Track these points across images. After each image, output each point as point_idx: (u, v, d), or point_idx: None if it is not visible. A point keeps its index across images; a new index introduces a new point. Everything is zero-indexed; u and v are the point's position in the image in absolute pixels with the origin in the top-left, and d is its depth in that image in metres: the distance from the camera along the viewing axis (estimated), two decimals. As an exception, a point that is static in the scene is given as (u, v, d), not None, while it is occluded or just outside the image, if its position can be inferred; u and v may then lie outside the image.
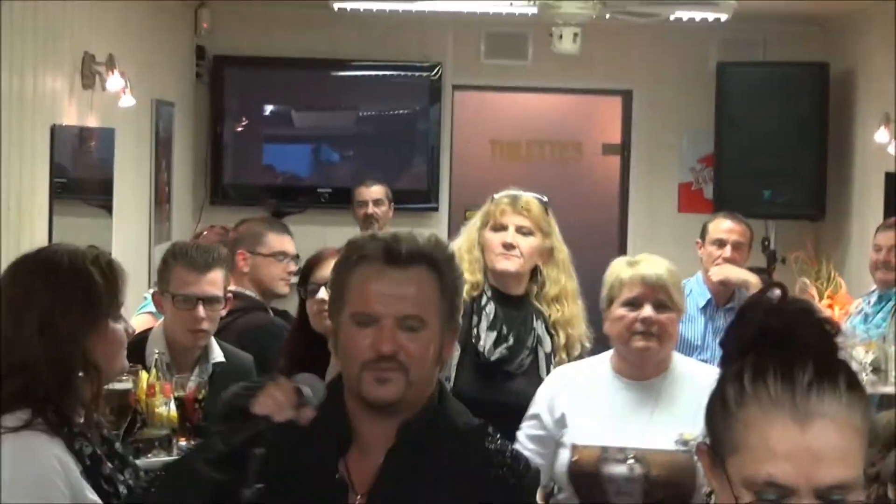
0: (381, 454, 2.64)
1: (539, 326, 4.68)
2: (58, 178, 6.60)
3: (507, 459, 2.74)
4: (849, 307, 7.38)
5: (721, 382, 1.99)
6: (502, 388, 4.32)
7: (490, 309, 4.69)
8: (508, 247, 4.67)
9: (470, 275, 4.71)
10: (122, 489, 3.05)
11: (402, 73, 10.04)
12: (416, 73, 9.99)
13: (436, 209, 9.96)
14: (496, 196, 4.81)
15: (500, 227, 4.70)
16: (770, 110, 9.14)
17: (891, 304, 7.14)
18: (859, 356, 6.67)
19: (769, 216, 8.90)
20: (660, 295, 4.04)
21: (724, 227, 6.98)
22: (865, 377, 6.65)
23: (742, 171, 9.13)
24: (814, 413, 1.90)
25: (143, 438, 4.28)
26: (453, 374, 4.69)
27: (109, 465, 3.05)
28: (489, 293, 4.72)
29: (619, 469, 3.96)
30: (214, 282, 4.73)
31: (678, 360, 4.19)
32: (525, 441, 4.16)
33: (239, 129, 10.08)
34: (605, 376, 4.13)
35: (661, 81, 9.99)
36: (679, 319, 4.14)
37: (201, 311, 4.67)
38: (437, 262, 2.67)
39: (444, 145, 10.08)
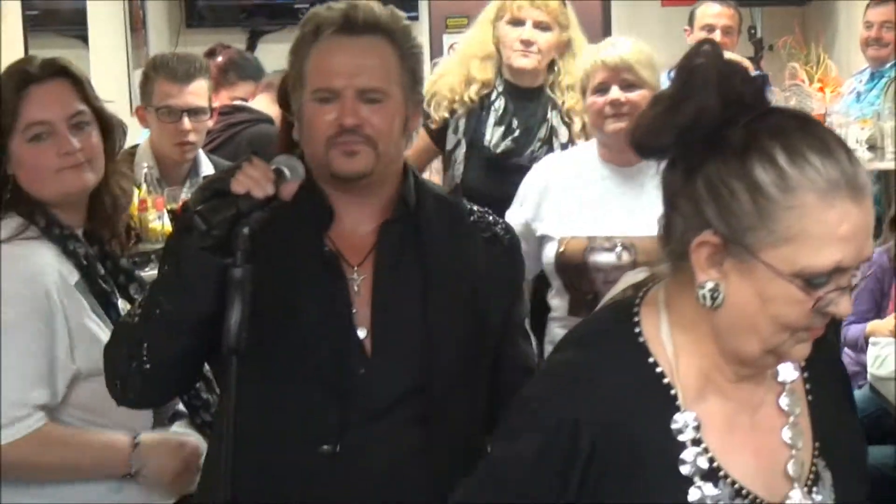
0: (365, 229, 2.63)
1: (554, 116, 4.64)
2: (29, 10, 6.46)
3: (492, 220, 2.77)
4: (840, 88, 7.32)
5: (737, 166, 1.84)
6: (513, 181, 4.27)
7: (500, 104, 4.67)
8: (527, 43, 4.61)
9: (480, 73, 4.66)
10: (120, 301, 3.03)
11: None
12: None
13: (416, 18, 9.78)
14: None
15: (518, 22, 4.64)
16: None
17: (884, 80, 7.08)
18: (855, 133, 6.63)
19: (754, 3, 8.75)
20: (624, 74, 3.97)
21: (712, 11, 6.88)
22: (862, 154, 6.61)
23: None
24: (864, 186, 1.82)
25: (138, 252, 4.22)
26: (461, 171, 4.66)
27: (102, 266, 3.01)
28: (500, 88, 4.69)
29: (607, 257, 3.92)
30: (197, 92, 4.63)
31: None
32: None
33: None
34: (590, 164, 4.07)
35: None
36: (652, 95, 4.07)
37: (186, 122, 4.58)
38: (394, 32, 2.62)
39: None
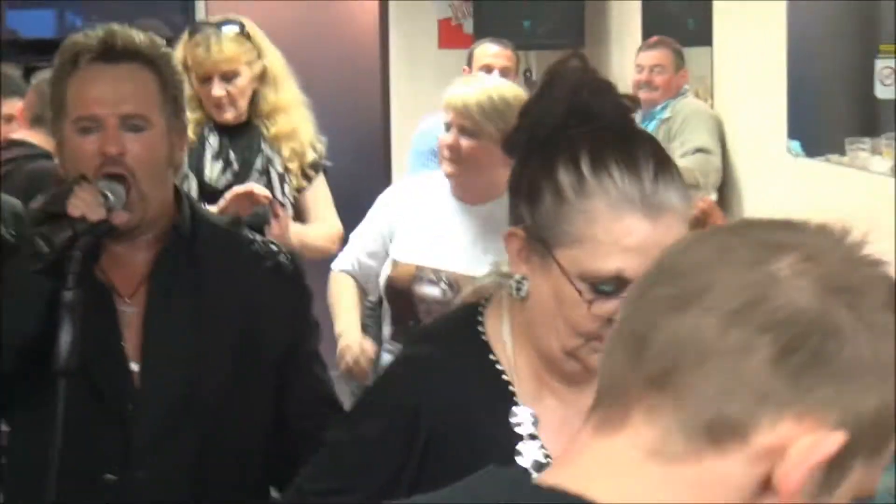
0: (138, 259, 2.63)
1: (267, 147, 4.57)
2: None
3: (275, 250, 2.77)
4: (612, 130, 7.47)
5: (549, 165, 1.91)
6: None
7: (214, 140, 4.58)
8: (217, 99, 4.49)
9: (191, 112, 4.57)
10: None
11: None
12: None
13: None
14: (193, 35, 4.56)
15: (205, 79, 4.49)
16: (523, -63, 9.12)
17: (654, 122, 7.28)
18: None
19: (529, 47, 8.89)
20: (462, 121, 3.99)
21: (490, 51, 6.96)
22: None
23: (500, 3, 9.12)
24: (662, 206, 1.87)
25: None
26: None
27: None
28: (211, 125, 4.58)
29: (431, 290, 3.95)
30: None
31: None
32: (363, 257, 4.16)
33: (-20, -14, 9.67)
34: (441, 195, 4.10)
35: (414, -85, 9.86)
36: (493, 146, 4.09)
37: None
38: (155, 59, 2.62)
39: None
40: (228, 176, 4.57)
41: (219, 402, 2.60)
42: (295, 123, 4.61)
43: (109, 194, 2.47)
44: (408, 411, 1.98)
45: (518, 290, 1.98)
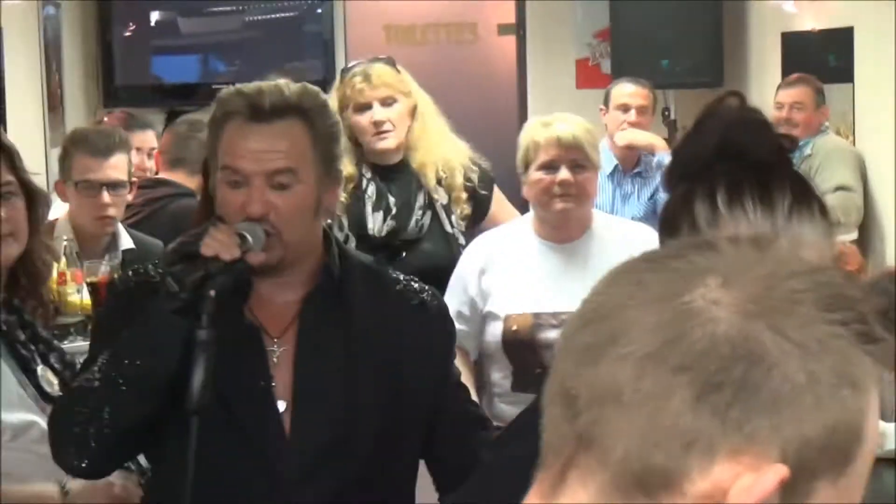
0: (287, 300, 2.65)
1: (426, 180, 4.59)
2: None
3: (418, 288, 2.78)
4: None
5: (689, 197, 1.89)
6: (408, 258, 4.29)
7: (372, 190, 4.59)
8: (379, 125, 4.54)
9: (344, 170, 4.60)
10: (40, 367, 3.01)
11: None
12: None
13: (334, 100, 9.82)
14: (345, 72, 4.68)
15: (364, 107, 4.56)
16: (663, -22, 9.10)
17: (795, 158, 7.19)
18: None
19: (668, 86, 8.87)
20: (575, 155, 3.98)
21: (627, 90, 6.96)
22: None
23: (639, 43, 9.09)
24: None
25: (56, 325, 4.19)
26: None
27: (21, 332, 2.99)
28: (368, 174, 4.62)
29: (554, 334, 3.93)
30: (117, 166, 4.62)
31: (599, 218, 4.16)
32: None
33: (127, 34, 9.86)
34: (528, 241, 4.09)
35: (552, -44, 9.89)
36: (596, 177, 4.11)
37: (106, 196, 4.56)
38: (306, 111, 2.61)
39: (339, 37, 9.94)
40: (390, 222, 4.59)
41: (369, 443, 2.60)
42: (441, 151, 4.63)
43: (248, 235, 2.49)
44: None
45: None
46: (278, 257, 2.57)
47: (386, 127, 4.55)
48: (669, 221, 1.94)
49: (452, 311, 4.16)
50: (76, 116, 9.21)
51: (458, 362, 4.26)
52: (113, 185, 4.59)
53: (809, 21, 8.30)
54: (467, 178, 4.63)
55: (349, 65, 4.78)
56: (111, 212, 4.61)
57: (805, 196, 1.89)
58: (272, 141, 2.57)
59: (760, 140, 1.93)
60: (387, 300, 2.71)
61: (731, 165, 1.89)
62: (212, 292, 2.42)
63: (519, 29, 10.10)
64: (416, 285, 2.78)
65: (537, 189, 4.01)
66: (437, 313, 2.79)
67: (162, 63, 10.15)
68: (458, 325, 4.09)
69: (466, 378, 4.12)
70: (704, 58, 9.09)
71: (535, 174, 4.01)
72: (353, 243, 4.53)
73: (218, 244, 2.45)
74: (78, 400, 2.56)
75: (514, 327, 3.97)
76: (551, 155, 3.99)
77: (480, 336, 4.08)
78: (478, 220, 4.73)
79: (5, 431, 2.86)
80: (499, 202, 4.83)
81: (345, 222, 4.61)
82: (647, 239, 4.10)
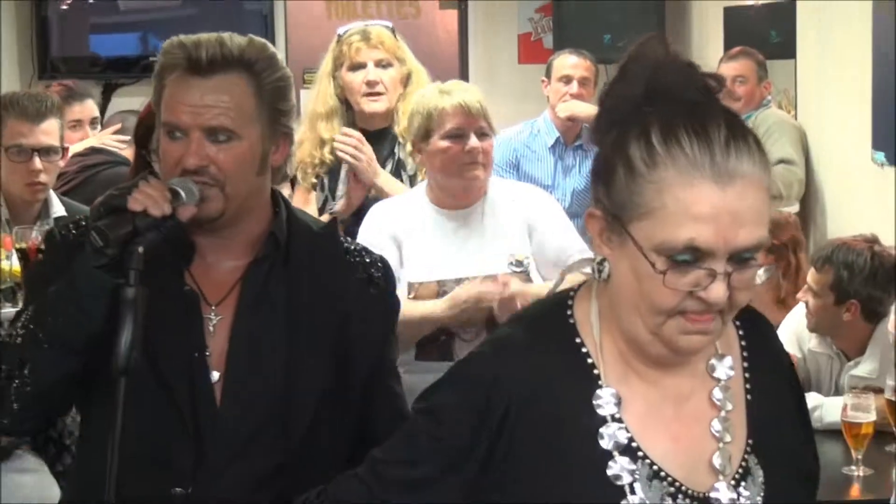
0: (229, 266, 2.58)
1: (400, 151, 4.60)
2: None
3: (369, 261, 2.70)
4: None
5: (621, 142, 1.88)
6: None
7: None
8: (372, 84, 4.56)
9: (328, 132, 4.61)
10: None
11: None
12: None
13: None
14: (342, 33, 4.67)
15: (359, 66, 4.58)
16: (606, -49, 9.04)
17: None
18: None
19: (610, 61, 8.74)
20: (481, 122, 3.98)
21: (570, 62, 6.90)
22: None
23: (581, 17, 9.06)
24: (734, 173, 1.82)
25: (-14, 289, 4.11)
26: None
27: None
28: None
29: None
30: (49, 131, 4.52)
31: (493, 182, 4.13)
32: None
33: (64, 6, 9.73)
34: (426, 209, 4.05)
35: (495, -70, 9.83)
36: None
37: (38, 162, 4.46)
38: (251, 64, 2.54)
39: (279, 13, 9.86)
40: None
41: (305, 418, 2.53)
42: None
43: (181, 191, 2.41)
44: (484, 384, 1.94)
45: (600, 271, 1.97)
46: (217, 210, 2.49)
47: (378, 88, 4.57)
48: (603, 170, 1.92)
49: None
50: (11, 88, 9.07)
51: None
52: (45, 151, 4.49)
53: (751, -5, 8.30)
54: None
55: (346, 26, 4.76)
56: (42, 178, 4.50)
57: (740, 129, 1.87)
58: (211, 95, 2.50)
59: (688, 80, 1.91)
60: (333, 271, 2.63)
61: (662, 106, 1.87)
62: (140, 249, 2.33)
63: (461, 3, 10.04)
64: (367, 258, 2.70)
65: (444, 157, 3.97)
66: (384, 289, 2.71)
67: (100, 40, 10.03)
68: None
69: None
70: (646, 32, 9.02)
71: (440, 143, 3.97)
72: (331, 205, 4.53)
73: (147, 199, 2.37)
74: (0, 355, 2.47)
75: (415, 295, 3.93)
76: (457, 122, 3.95)
77: None
78: None
79: None
80: None
81: (325, 183, 4.61)
82: (537, 197, 4.10)
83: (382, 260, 2.75)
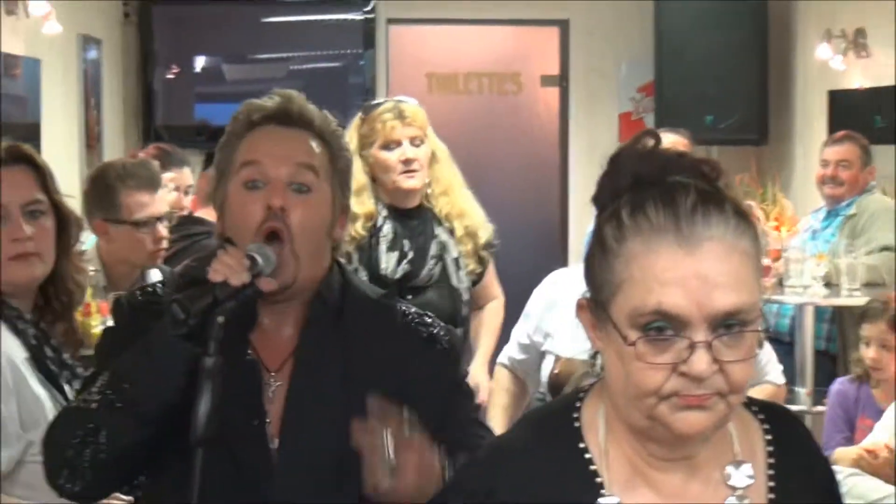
0: (286, 332, 2.56)
1: (442, 232, 4.61)
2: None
3: (430, 322, 2.67)
4: (795, 227, 7.32)
5: (597, 227, 1.84)
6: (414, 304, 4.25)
7: (387, 229, 4.59)
8: (409, 162, 4.53)
9: (360, 208, 4.55)
10: (67, 386, 2.96)
11: (335, 13, 9.87)
12: (350, 14, 9.82)
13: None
14: (372, 111, 4.63)
15: (394, 144, 4.54)
16: (709, 34, 9.01)
17: (839, 218, 7.10)
18: (811, 269, 6.63)
19: (712, 142, 8.78)
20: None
21: (668, 140, 6.81)
22: (818, 290, 6.60)
23: (683, 98, 9.04)
24: (700, 236, 1.75)
25: (80, 356, 4.11)
26: None
27: (50, 350, 2.94)
28: (384, 213, 4.60)
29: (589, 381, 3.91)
30: (164, 198, 4.62)
31: None
32: (517, 352, 4.27)
33: (170, 76, 9.87)
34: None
35: (598, 9, 9.83)
36: None
37: (163, 229, 4.52)
38: (326, 133, 2.58)
39: (381, 86, 9.92)
40: (405, 266, 4.56)
41: (359, 486, 2.43)
42: (465, 203, 4.64)
43: (258, 258, 2.40)
44: (481, 495, 1.88)
45: (593, 365, 1.93)
46: (291, 276, 2.48)
47: (415, 166, 4.55)
48: (586, 257, 1.88)
49: (518, 342, 4.20)
50: (114, 155, 9.19)
51: (502, 398, 4.31)
52: (167, 217, 4.58)
53: (857, 78, 8.22)
54: (483, 235, 4.70)
55: (371, 102, 4.75)
56: (164, 243, 4.55)
57: (714, 197, 1.79)
58: (295, 144, 2.54)
59: (677, 167, 1.83)
60: (392, 334, 2.61)
61: (638, 190, 1.82)
62: (220, 319, 2.31)
63: (562, 81, 10.06)
64: (428, 319, 2.67)
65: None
66: (448, 348, 2.66)
67: (205, 109, 10.16)
68: (521, 357, 4.13)
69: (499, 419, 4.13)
70: (749, 114, 9.02)
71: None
72: (364, 278, 4.50)
73: (227, 268, 2.35)
74: (72, 420, 2.45)
75: (558, 371, 3.94)
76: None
77: (538, 372, 4.13)
78: (475, 281, 4.78)
79: (33, 445, 2.80)
80: (491, 272, 4.90)
81: (355, 257, 4.57)
82: None
83: (447, 326, 2.72)
